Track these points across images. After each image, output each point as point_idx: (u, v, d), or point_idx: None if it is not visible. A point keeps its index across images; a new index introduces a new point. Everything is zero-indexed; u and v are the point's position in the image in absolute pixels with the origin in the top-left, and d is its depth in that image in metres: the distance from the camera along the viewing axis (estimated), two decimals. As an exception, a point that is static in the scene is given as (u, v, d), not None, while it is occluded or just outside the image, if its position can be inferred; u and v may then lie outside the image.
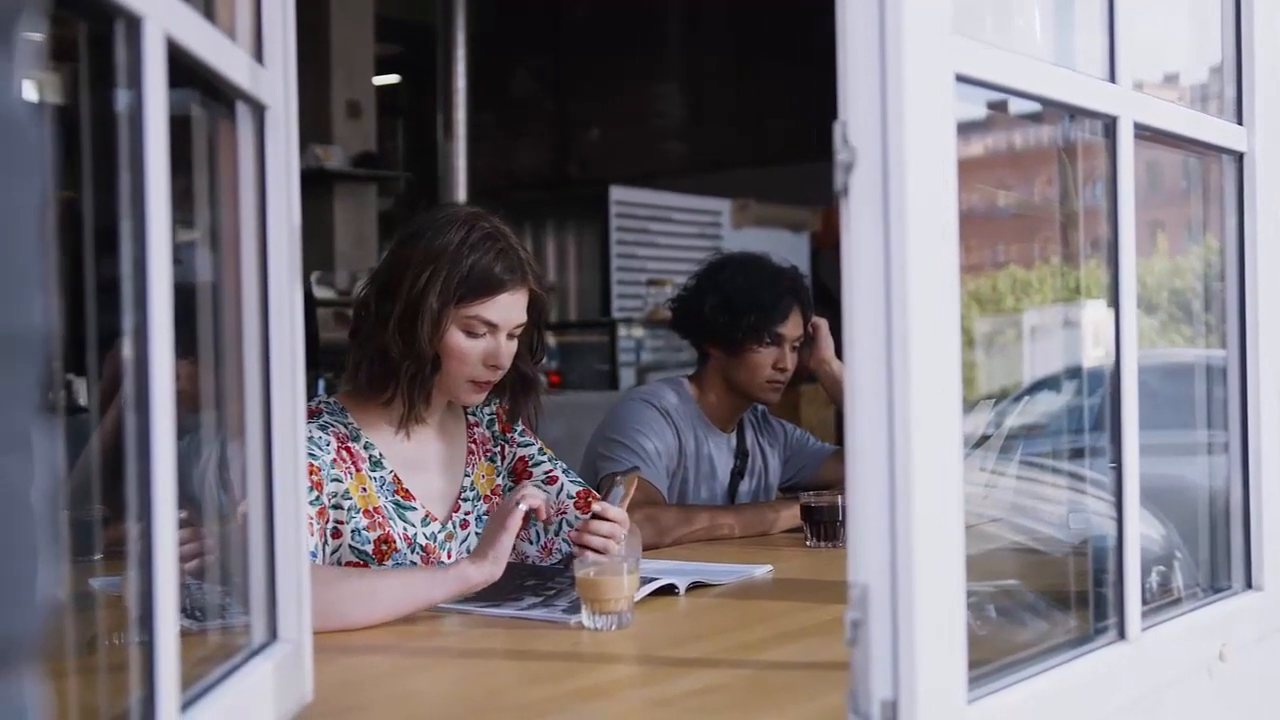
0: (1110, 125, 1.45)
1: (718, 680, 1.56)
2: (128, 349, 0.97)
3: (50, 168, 0.58)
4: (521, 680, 1.60)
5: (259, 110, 1.30)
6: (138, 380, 0.96)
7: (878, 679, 1.12)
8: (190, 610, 1.27)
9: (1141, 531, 1.51)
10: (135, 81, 0.96)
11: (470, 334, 2.10)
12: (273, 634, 1.33)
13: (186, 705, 1.05)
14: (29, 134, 0.56)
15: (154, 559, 0.97)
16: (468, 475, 2.25)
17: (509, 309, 2.11)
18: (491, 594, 2.02)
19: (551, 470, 2.31)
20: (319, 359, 4.99)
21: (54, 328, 0.60)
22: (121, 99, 0.97)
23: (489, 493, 2.28)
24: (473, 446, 2.28)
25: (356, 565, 2.07)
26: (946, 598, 1.15)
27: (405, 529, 2.12)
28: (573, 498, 2.28)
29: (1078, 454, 1.84)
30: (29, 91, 0.58)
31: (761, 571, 2.28)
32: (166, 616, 0.98)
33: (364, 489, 2.10)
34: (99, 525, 1.80)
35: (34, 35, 0.60)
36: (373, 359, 2.11)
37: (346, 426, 2.14)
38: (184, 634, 1.02)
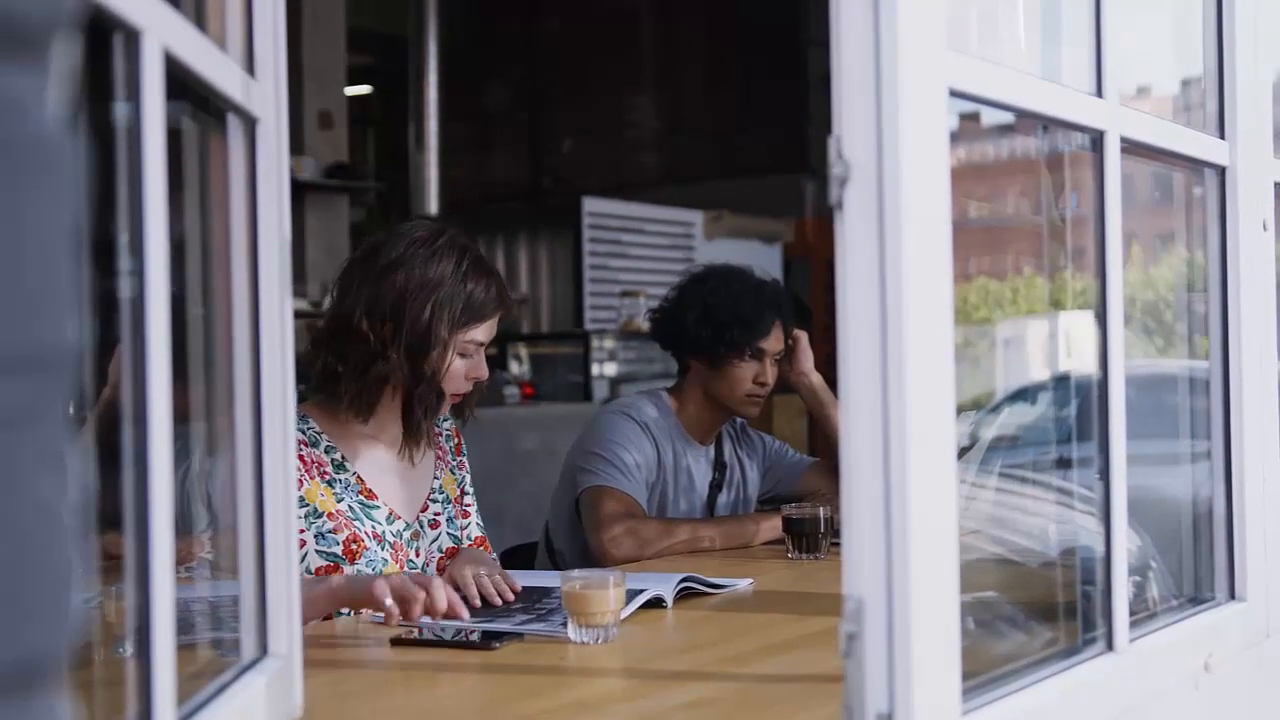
0: (1098, 139, 1.46)
1: (708, 693, 1.56)
2: (125, 362, 0.96)
3: (82, 186, 0.58)
4: (510, 694, 1.59)
5: (250, 123, 1.30)
6: (135, 394, 0.95)
7: (873, 692, 1.12)
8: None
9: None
10: (133, 94, 0.95)
11: (463, 355, 2.20)
12: (263, 649, 1.32)
13: (181, 722, 1.04)
14: (64, 154, 0.56)
15: (151, 576, 0.96)
16: (437, 478, 2.33)
17: (494, 328, 2.25)
18: (484, 613, 2.01)
19: (470, 506, 2.42)
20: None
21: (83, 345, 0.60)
22: (119, 111, 0.96)
23: (453, 499, 2.36)
24: (439, 453, 2.36)
25: (326, 568, 2.11)
26: (942, 610, 1.15)
27: (373, 526, 2.17)
28: (472, 540, 2.38)
29: (1057, 465, 1.85)
30: (62, 110, 0.57)
31: (744, 585, 2.28)
32: (163, 633, 0.97)
33: (323, 494, 2.14)
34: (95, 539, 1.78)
35: (66, 55, 0.59)
36: (371, 384, 2.15)
37: (305, 432, 2.17)
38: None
